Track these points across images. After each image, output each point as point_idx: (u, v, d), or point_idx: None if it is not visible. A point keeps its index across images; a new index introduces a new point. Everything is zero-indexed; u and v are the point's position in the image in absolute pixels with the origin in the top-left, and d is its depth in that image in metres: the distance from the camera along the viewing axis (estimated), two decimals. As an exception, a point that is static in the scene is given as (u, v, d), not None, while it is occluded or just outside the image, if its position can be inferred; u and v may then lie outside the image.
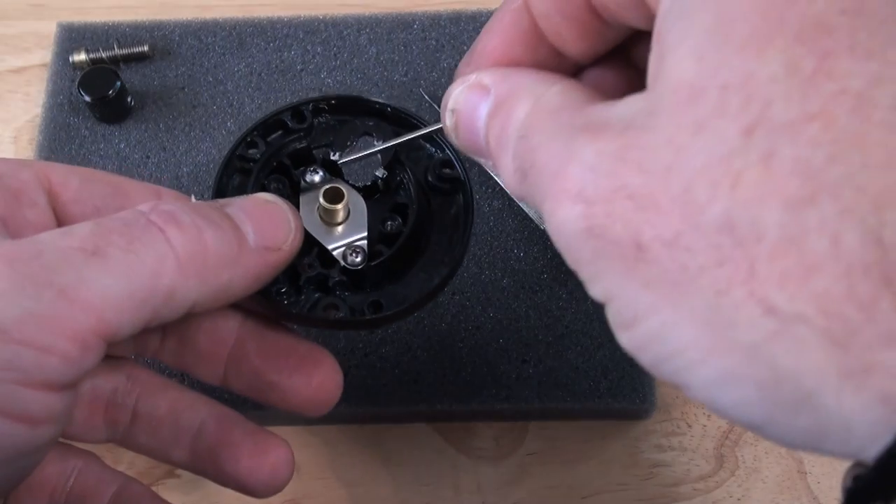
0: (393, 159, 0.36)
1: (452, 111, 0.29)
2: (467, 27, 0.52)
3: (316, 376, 0.33)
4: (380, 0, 0.55)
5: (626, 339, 0.22)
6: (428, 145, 0.37)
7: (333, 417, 0.45)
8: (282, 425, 0.44)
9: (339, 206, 0.34)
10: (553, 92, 0.25)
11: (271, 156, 0.36)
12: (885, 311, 0.18)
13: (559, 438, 0.45)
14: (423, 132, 0.34)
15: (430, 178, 0.36)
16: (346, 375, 0.43)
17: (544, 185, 0.23)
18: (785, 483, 0.44)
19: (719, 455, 0.44)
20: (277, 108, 0.36)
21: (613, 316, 0.23)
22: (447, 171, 0.36)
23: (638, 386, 0.44)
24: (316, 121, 0.37)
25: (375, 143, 0.35)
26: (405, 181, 0.36)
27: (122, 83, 0.48)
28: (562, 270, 0.46)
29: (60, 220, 0.32)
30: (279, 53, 0.52)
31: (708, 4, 0.21)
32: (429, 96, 0.50)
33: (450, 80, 0.50)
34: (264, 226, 0.31)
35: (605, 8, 0.26)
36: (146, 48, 0.51)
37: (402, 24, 0.52)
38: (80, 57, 0.51)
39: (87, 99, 0.48)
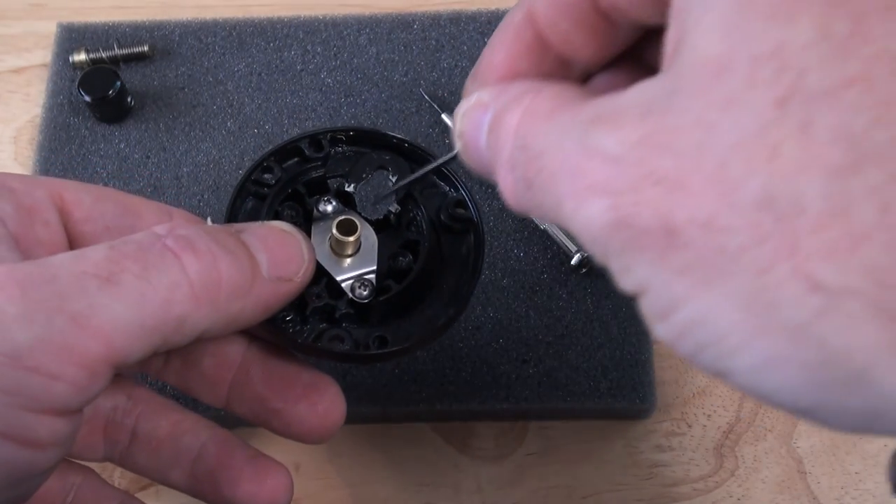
0: (406, 195, 0.36)
1: (460, 134, 0.28)
2: (467, 27, 0.52)
3: (320, 405, 0.33)
4: (380, 0, 0.55)
5: (663, 329, 0.21)
6: (442, 183, 0.37)
7: (333, 417, 0.45)
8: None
9: (352, 239, 0.34)
10: (542, 97, 0.25)
11: (286, 182, 0.36)
12: None
13: (559, 438, 0.45)
14: (441, 161, 0.34)
15: (442, 217, 0.36)
16: (346, 375, 0.44)
17: (560, 187, 0.22)
18: (785, 483, 0.43)
19: (719, 455, 0.44)
20: (295, 136, 0.36)
21: (648, 308, 0.22)
22: (460, 210, 0.36)
23: (638, 386, 0.44)
24: (333, 150, 0.36)
25: (391, 177, 0.35)
26: (418, 218, 0.36)
27: (122, 83, 0.48)
28: (562, 270, 0.46)
29: (72, 239, 0.32)
30: (279, 53, 0.52)
31: None
32: (429, 96, 0.50)
33: (450, 80, 0.51)
34: (278, 256, 0.31)
35: (615, 8, 0.26)
36: (146, 48, 0.51)
37: (402, 24, 0.52)
38: (80, 57, 0.51)
39: (87, 99, 0.48)
